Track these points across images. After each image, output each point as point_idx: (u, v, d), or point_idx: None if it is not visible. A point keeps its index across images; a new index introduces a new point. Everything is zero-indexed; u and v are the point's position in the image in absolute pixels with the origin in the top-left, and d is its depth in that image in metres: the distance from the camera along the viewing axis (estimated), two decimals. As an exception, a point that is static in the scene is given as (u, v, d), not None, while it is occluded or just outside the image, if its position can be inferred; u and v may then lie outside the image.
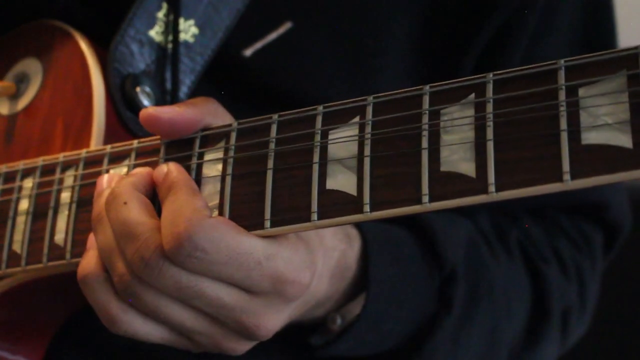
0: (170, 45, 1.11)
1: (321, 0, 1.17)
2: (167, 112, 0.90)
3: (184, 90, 1.11)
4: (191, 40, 1.12)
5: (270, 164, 0.86)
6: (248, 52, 1.14)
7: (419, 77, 1.16)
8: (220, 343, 0.90)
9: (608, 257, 1.32)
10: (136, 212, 0.87)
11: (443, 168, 0.78)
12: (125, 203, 0.87)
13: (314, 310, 1.00)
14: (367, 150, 0.82)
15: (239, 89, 1.14)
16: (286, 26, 1.14)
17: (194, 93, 1.12)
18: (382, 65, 1.16)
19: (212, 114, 0.91)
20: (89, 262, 0.90)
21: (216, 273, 0.84)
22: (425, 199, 0.78)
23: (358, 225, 1.04)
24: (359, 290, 1.04)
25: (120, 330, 0.89)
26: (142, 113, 0.90)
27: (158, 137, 0.94)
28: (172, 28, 1.11)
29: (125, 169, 0.95)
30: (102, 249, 0.89)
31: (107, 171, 0.96)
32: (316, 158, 0.84)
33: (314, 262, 0.89)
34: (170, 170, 0.89)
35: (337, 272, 0.99)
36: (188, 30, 1.12)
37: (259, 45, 1.14)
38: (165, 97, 1.10)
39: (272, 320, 0.88)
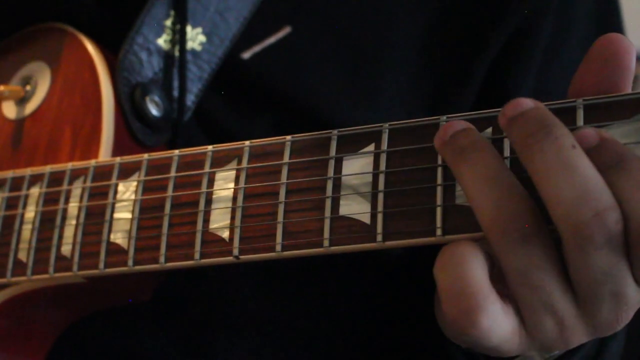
0: (177, 54, 1.11)
1: (321, 6, 1.16)
2: None
3: (191, 98, 1.11)
4: (198, 48, 1.12)
5: (283, 187, 0.86)
6: (246, 55, 1.14)
7: (424, 84, 1.16)
8: (567, 332, 0.78)
9: None
10: (590, 163, 0.73)
11: (458, 201, 0.79)
12: (574, 147, 0.73)
13: None
14: (381, 179, 0.82)
15: (237, 92, 1.14)
16: (285, 30, 1.14)
17: (200, 100, 1.12)
18: (383, 72, 1.16)
19: None
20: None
21: None
22: (439, 231, 0.79)
23: None
24: None
25: (480, 322, 0.76)
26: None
27: (169, 152, 0.94)
28: (179, 35, 1.10)
29: (134, 184, 0.95)
30: (486, 180, 0.76)
31: (117, 185, 0.96)
32: (329, 184, 0.84)
33: None
34: (603, 134, 0.74)
35: None
36: (195, 38, 1.12)
37: (257, 48, 1.14)
38: (173, 105, 1.10)
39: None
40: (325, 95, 1.15)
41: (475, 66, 1.15)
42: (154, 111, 1.08)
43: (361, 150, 0.84)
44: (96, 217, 0.96)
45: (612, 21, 1.25)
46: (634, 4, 1.79)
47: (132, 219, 0.94)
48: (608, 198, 0.72)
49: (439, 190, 0.79)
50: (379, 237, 0.81)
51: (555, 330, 0.78)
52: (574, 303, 0.77)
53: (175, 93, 1.11)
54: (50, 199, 1.00)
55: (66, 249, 0.97)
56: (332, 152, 0.85)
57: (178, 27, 1.11)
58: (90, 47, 1.10)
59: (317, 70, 1.15)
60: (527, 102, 0.75)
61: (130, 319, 1.12)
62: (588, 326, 0.78)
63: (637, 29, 1.65)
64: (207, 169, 0.91)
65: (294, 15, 1.15)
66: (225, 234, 0.88)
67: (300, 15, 1.15)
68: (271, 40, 1.13)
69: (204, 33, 1.12)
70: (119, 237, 0.94)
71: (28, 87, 1.12)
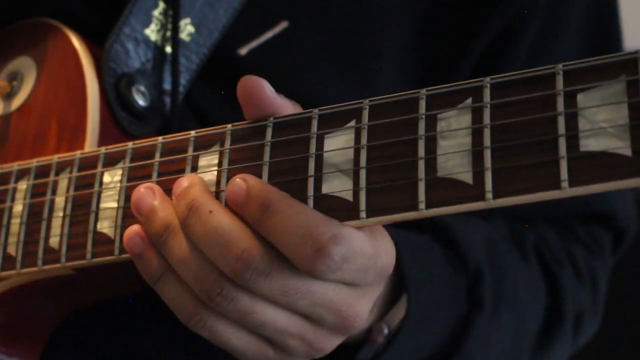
0: (167, 44, 1.10)
1: (318, 0, 1.16)
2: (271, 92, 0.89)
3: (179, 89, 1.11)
4: (187, 39, 1.11)
5: (266, 168, 0.85)
6: (243, 50, 1.13)
7: (416, 79, 1.16)
8: (313, 342, 0.88)
9: (614, 257, 1.32)
10: (227, 219, 0.84)
11: (440, 174, 0.77)
12: (210, 212, 0.84)
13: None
14: (363, 155, 0.81)
15: (233, 88, 1.13)
16: (282, 25, 1.13)
17: (189, 92, 1.11)
18: (378, 67, 1.15)
19: None
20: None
21: (343, 277, 0.83)
22: (422, 205, 0.77)
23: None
24: (394, 296, 1.04)
25: (200, 327, 0.88)
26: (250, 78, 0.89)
27: (152, 139, 0.93)
28: (172, 27, 1.10)
29: (119, 172, 0.94)
30: (181, 261, 0.86)
31: (102, 174, 0.95)
32: (311, 163, 0.83)
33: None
34: (252, 185, 0.84)
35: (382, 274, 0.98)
36: (184, 28, 1.11)
37: (254, 44, 1.13)
38: (161, 96, 1.09)
39: (364, 305, 0.87)
40: (323, 90, 1.14)
41: (464, 63, 1.16)
42: (140, 101, 1.07)
43: (342, 127, 0.83)
44: (83, 207, 0.95)
45: (609, 20, 1.25)
46: (633, 4, 1.78)
47: (117, 208, 0.93)
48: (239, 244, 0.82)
49: (421, 163, 0.78)
50: (362, 214, 0.80)
51: (303, 345, 0.88)
52: (303, 321, 0.86)
53: (164, 84, 1.10)
54: (37, 192, 1.00)
55: (54, 241, 0.96)
56: (314, 130, 0.84)
57: (168, 17, 1.10)
58: (75, 41, 1.09)
59: (315, 65, 1.14)
60: (183, 182, 0.87)
61: (129, 315, 1.11)
62: (327, 332, 0.87)
63: (636, 29, 1.64)
64: (190, 154, 0.90)
65: (291, 9, 1.14)
66: None
67: (297, 9, 1.14)
68: (268, 35, 1.13)
69: (193, 24, 1.11)
70: (105, 227, 0.93)
71: (14, 83, 1.12)
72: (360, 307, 0.87)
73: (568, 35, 1.21)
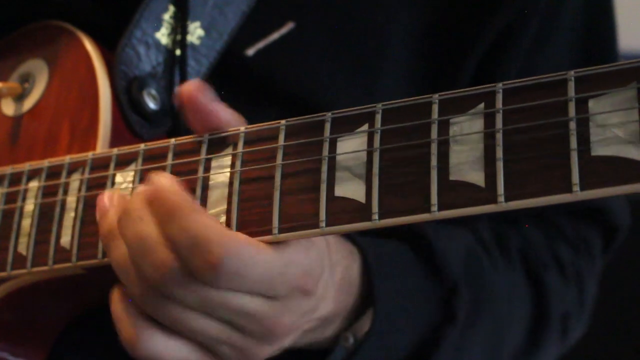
0: (177, 47, 1.11)
1: (324, 1, 1.17)
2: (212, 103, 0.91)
3: None
4: (197, 42, 1.12)
5: (279, 170, 0.86)
6: (250, 51, 1.14)
7: (420, 79, 1.17)
8: (243, 350, 0.90)
9: (606, 258, 1.33)
10: (154, 229, 0.86)
11: (452, 177, 0.78)
12: (141, 218, 0.87)
13: (325, 328, 1.00)
14: (375, 158, 0.82)
15: (240, 89, 1.14)
16: (288, 26, 1.14)
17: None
18: (383, 67, 1.16)
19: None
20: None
21: (244, 288, 0.85)
22: (434, 207, 0.78)
23: (355, 242, 1.04)
24: (365, 306, 1.05)
25: (143, 350, 0.89)
26: (189, 87, 0.90)
27: (165, 141, 0.94)
28: (180, 30, 1.11)
29: (131, 174, 0.95)
30: (117, 265, 0.89)
31: (114, 175, 0.96)
32: (324, 165, 0.84)
33: (324, 260, 0.91)
34: (162, 185, 0.87)
35: (343, 287, 1.00)
36: (194, 32, 1.12)
37: (261, 45, 1.14)
38: (172, 99, 1.10)
39: (288, 318, 0.89)
40: (329, 89, 1.15)
41: (467, 62, 1.17)
42: (151, 104, 1.08)
43: (355, 131, 0.84)
44: (94, 207, 0.95)
45: (604, 22, 1.26)
46: (631, 4, 1.80)
47: (129, 209, 0.93)
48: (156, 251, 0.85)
49: (433, 166, 0.79)
50: (375, 216, 0.81)
51: (235, 352, 0.90)
52: (231, 330, 0.89)
53: (174, 86, 1.11)
54: (48, 192, 1.00)
55: (65, 241, 0.97)
56: (327, 133, 0.85)
57: (178, 20, 1.11)
58: (87, 44, 1.10)
59: (320, 65, 1.15)
60: (104, 203, 0.91)
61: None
62: (255, 341, 0.90)
63: (634, 29, 1.65)
64: (203, 156, 0.91)
65: (297, 10, 1.15)
66: (222, 220, 0.88)
67: (303, 10, 1.15)
68: (275, 36, 1.14)
69: (203, 27, 1.12)
70: (117, 227, 0.94)
71: (26, 85, 1.12)
72: (283, 320, 0.89)
73: (562, 35, 1.22)
